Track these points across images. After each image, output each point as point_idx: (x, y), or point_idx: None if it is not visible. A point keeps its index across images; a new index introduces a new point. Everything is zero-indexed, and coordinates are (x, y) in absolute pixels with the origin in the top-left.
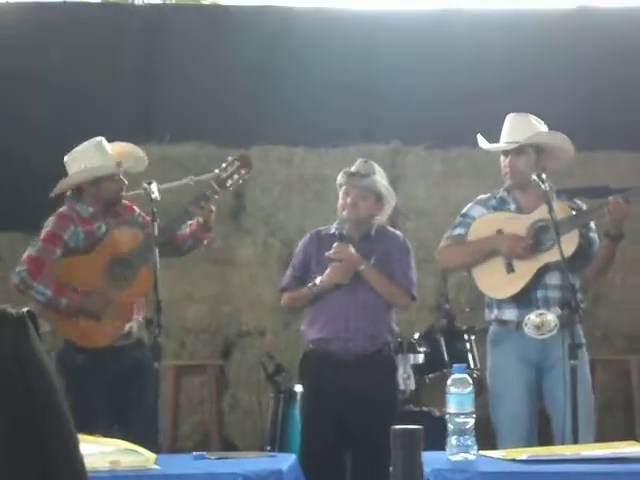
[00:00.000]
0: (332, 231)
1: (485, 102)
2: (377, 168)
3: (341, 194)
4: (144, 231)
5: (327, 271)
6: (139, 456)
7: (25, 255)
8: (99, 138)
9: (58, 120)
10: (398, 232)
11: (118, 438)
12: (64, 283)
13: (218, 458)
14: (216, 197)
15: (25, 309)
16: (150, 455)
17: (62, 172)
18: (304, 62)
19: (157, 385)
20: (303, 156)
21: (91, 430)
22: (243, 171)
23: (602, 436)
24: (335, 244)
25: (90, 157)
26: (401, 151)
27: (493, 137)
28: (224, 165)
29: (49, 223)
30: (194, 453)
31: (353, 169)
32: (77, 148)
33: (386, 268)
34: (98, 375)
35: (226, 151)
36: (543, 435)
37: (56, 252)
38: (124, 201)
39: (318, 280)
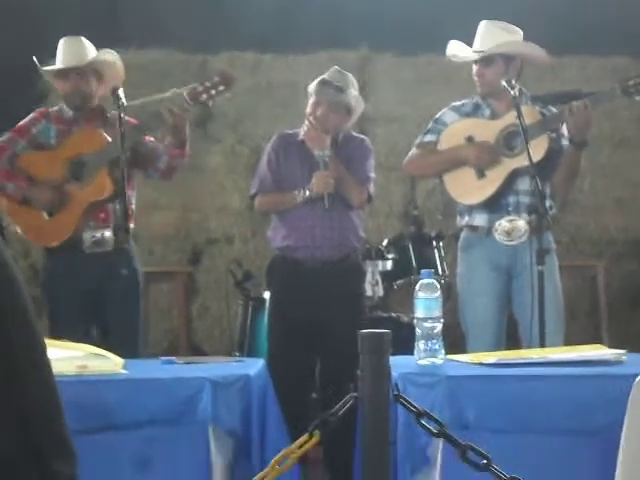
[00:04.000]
0: (300, 137)
1: (456, 7)
2: (350, 79)
3: (311, 102)
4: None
5: (314, 180)
6: (107, 361)
7: None
8: (72, 37)
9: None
10: (362, 136)
11: (98, 344)
12: (16, 171)
13: (186, 363)
14: (188, 109)
15: None
16: (118, 360)
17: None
18: None
19: (136, 292)
20: (271, 63)
21: (66, 335)
22: (221, 87)
23: (569, 340)
24: (316, 174)
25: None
26: (370, 57)
27: (467, 42)
28: (204, 81)
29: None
30: (162, 358)
31: (327, 77)
32: None
33: (348, 169)
34: (71, 282)
35: (192, 57)
36: (512, 341)
37: (20, 142)
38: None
39: (307, 191)
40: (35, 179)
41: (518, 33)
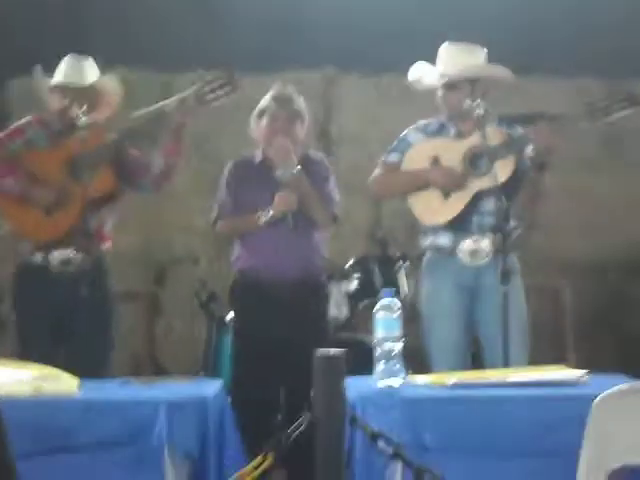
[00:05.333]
0: (258, 159)
1: (420, 28)
2: (293, 90)
3: (267, 119)
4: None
5: (277, 200)
6: (62, 381)
7: None
8: (78, 56)
9: None
10: (319, 155)
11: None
12: (14, 165)
13: (143, 383)
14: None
15: None
16: (73, 381)
17: None
18: None
19: (105, 311)
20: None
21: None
22: (228, 88)
23: (534, 360)
24: (279, 193)
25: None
26: (335, 78)
27: (430, 62)
28: (209, 82)
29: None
30: (120, 379)
31: (281, 94)
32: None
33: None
34: (40, 302)
35: (161, 76)
36: (477, 361)
37: (16, 141)
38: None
39: (269, 212)
40: (35, 176)
41: (481, 53)
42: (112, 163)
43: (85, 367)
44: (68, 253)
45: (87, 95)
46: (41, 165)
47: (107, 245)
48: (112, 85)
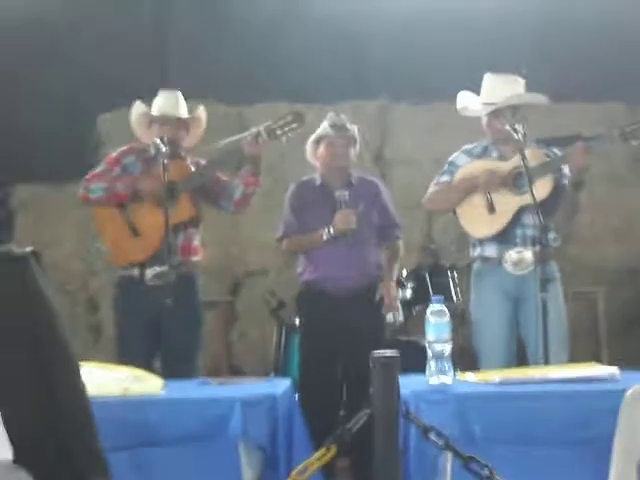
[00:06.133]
0: (318, 182)
1: (463, 58)
2: (345, 118)
3: (324, 146)
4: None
5: (337, 218)
6: (148, 383)
7: (89, 173)
8: (171, 90)
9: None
10: (374, 178)
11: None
12: (122, 177)
13: (220, 383)
14: (262, 142)
15: (29, 249)
16: (158, 382)
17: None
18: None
19: (193, 319)
20: (300, 112)
21: (132, 354)
22: (294, 125)
23: (572, 359)
24: (339, 212)
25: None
26: (389, 106)
27: (474, 90)
28: (278, 120)
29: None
30: (199, 379)
31: (336, 122)
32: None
33: (373, 212)
34: (136, 311)
35: (230, 109)
36: (521, 360)
37: (115, 170)
38: (202, 161)
39: (331, 230)
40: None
41: (521, 83)
42: (200, 188)
43: (177, 369)
44: (161, 268)
45: (180, 125)
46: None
47: (197, 258)
48: (203, 116)
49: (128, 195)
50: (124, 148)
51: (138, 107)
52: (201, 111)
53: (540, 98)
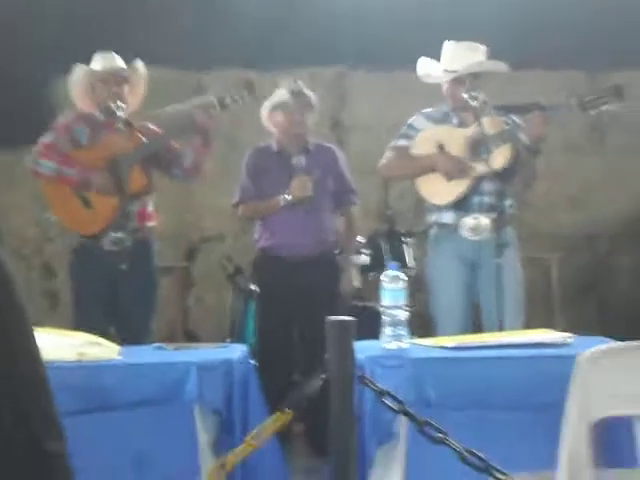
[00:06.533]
0: (275, 148)
1: (423, 26)
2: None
3: (282, 112)
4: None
5: (294, 185)
6: (103, 348)
7: (39, 142)
8: (107, 51)
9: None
10: (330, 145)
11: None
12: (70, 158)
13: (175, 349)
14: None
15: None
16: (114, 347)
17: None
18: None
19: (148, 283)
20: (256, 79)
21: (88, 324)
22: (246, 93)
23: (527, 326)
24: (296, 178)
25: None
26: (346, 73)
27: (433, 57)
28: (230, 89)
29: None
30: (154, 344)
31: (294, 88)
32: None
33: (329, 179)
34: (93, 276)
35: (187, 74)
36: (478, 326)
37: (64, 138)
38: (151, 126)
39: (288, 196)
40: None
41: (482, 51)
42: (151, 156)
43: (132, 333)
44: (118, 235)
45: (122, 82)
46: (85, 163)
47: (153, 223)
48: (142, 71)
49: (78, 182)
50: (72, 115)
51: (78, 69)
52: (140, 66)
53: (500, 66)
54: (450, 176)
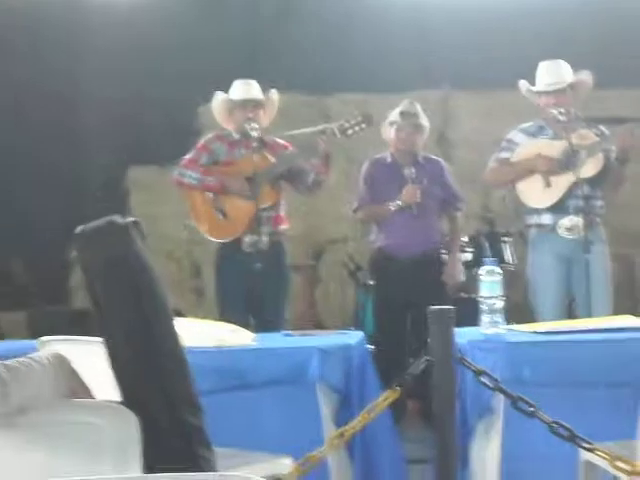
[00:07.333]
0: (388, 160)
1: (517, 49)
2: (419, 107)
3: (394, 130)
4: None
5: (404, 193)
6: (240, 335)
7: (183, 158)
8: (245, 80)
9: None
10: (437, 158)
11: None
12: (210, 170)
13: (301, 335)
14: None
15: (131, 219)
16: (250, 334)
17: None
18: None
19: (282, 279)
20: (373, 101)
21: (231, 312)
22: (364, 125)
23: (614, 314)
24: (406, 187)
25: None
26: (451, 95)
27: (526, 79)
28: (349, 119)
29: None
30: (283, 332)
31: (407, 110)
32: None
33: (436, 188)
34: (235, 274)
35: (308, 99)
36: (573, 317)
37: (204, 155)
38: (279, 140)
39: (399, 202)
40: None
41: (569, 68)
42: (280, 175)
43: (268, 323)
44: (254, 238)
45: (257, 107)
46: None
47: (285, 226)
48: (275, 97)
49: (218, 188)
50: (210, 135)
51: (218, 96)
52: (273, 93)
53: (586, 75)
54: (548, 174)
